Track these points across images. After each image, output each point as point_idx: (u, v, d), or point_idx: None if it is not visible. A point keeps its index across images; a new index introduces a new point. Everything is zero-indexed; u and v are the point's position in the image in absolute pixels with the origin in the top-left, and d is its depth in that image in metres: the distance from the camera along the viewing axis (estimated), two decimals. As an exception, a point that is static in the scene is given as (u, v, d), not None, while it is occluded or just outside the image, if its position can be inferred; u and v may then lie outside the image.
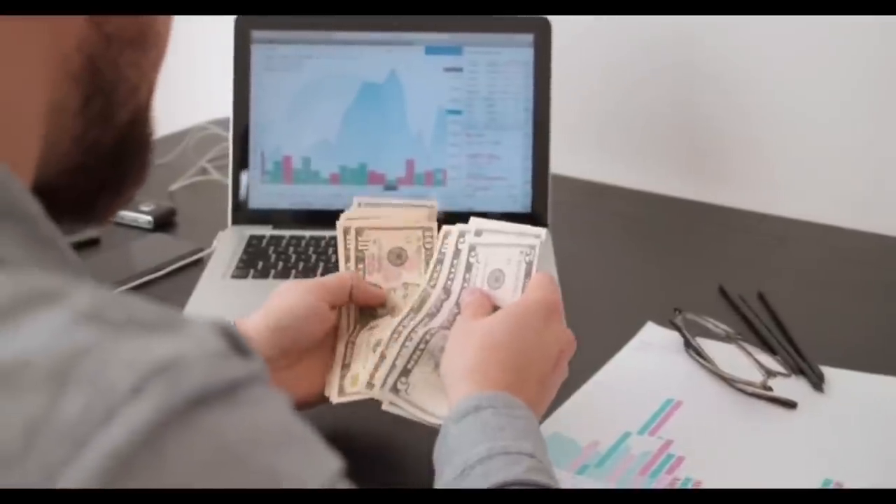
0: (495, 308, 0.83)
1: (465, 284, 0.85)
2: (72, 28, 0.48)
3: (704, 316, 1.02)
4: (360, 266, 0.88)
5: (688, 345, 1.00)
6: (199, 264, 1.18)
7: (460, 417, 0.72)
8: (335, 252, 1.18)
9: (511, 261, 0.84)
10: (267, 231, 1.22)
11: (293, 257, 1.17)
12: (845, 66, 1.29)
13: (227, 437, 0.36)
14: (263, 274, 1.14)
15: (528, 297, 0.81)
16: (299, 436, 0.39)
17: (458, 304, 0.85)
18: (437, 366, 0.81)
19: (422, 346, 0.82)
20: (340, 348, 0.86)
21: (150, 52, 0.52)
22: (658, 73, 1.40)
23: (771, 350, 1.00)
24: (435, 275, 0.87)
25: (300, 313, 0.83)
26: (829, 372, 0.97)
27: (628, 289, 1.16)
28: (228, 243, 1.19)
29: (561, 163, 1.26)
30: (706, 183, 1.39)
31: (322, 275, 1.14)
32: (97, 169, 0.53)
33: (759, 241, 1.27)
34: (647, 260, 1.25)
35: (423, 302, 0.86)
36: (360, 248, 0.88)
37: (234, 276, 1.13)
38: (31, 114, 0.48)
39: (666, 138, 1.43)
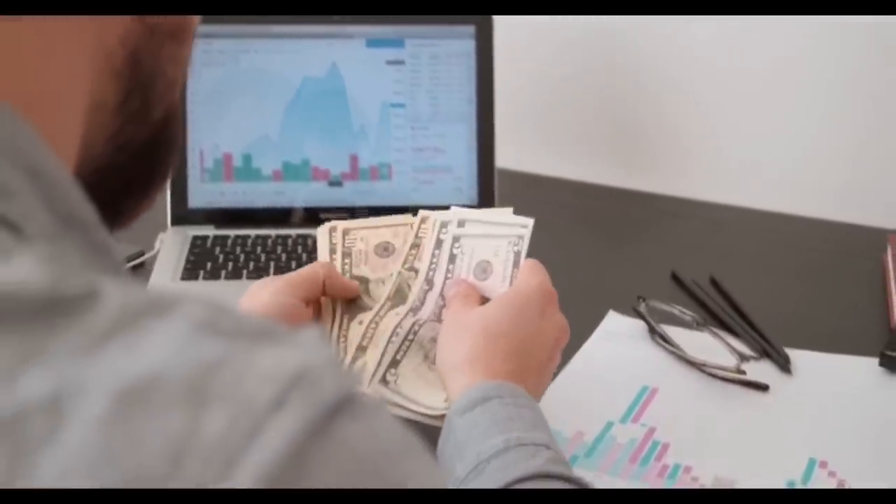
0: (483, 299, 0.81)
1: (449, 276, 0.83)
2: (117, 21, 0.45)
3: (671, 303, 1.03)
4: (347, 261, 0.85)
5: (652, 332, 1.01)
6: (142, 267, 1.14)
7: (466, 409, 0.70)
8: (284, 251, 1.16)
9: (500, 252, 0.82)
10: (210, 231, 1.18)
11: (241, 257, 1.14)
12: (781, 58, 1.32)
13: (361, 448, 0.35)
14: (214, 275, 1.10)
15: (525, 285, 0.78)
16: (416, 447, 0.38)
17: (442, 295, 0.82)
18: (426, 357, 0.79)
19: (410, 336, 0.79)
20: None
21: (184, 46, 0.50)
22: (599, 66, 1.41)
23: (734, 334, 1.02)
24: (410, 258, 0.84)
25: (273, 314, 0.77)
26: (791, 353, 0.99)
27: (583, 279, 1.17)
28: (171, 245, 1.15)
29: (504, 155, 1.25)
30: (646, 172, 1.41)
31: (274, 273, 1.11)
32: (128, 168, 0.50)
33: (698, 228, 1.29)
34: (598, 249, 1.26)
35: (399, 290, 0.83)
36: (346, 245, 0.85)
37: (183, 279, 1.09)
38: (74, 112, 0.45)
39: (607, 130, 1.44)
